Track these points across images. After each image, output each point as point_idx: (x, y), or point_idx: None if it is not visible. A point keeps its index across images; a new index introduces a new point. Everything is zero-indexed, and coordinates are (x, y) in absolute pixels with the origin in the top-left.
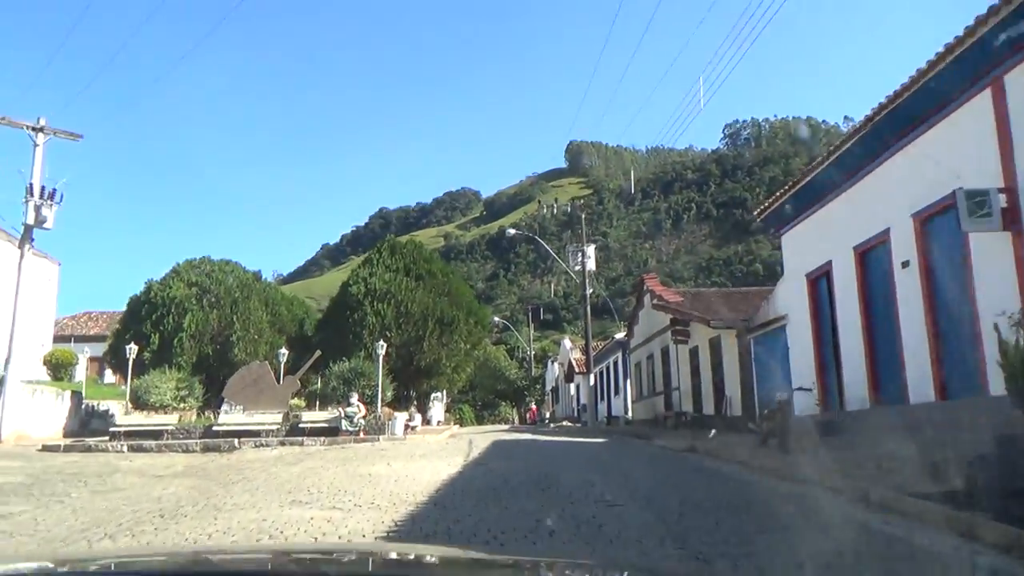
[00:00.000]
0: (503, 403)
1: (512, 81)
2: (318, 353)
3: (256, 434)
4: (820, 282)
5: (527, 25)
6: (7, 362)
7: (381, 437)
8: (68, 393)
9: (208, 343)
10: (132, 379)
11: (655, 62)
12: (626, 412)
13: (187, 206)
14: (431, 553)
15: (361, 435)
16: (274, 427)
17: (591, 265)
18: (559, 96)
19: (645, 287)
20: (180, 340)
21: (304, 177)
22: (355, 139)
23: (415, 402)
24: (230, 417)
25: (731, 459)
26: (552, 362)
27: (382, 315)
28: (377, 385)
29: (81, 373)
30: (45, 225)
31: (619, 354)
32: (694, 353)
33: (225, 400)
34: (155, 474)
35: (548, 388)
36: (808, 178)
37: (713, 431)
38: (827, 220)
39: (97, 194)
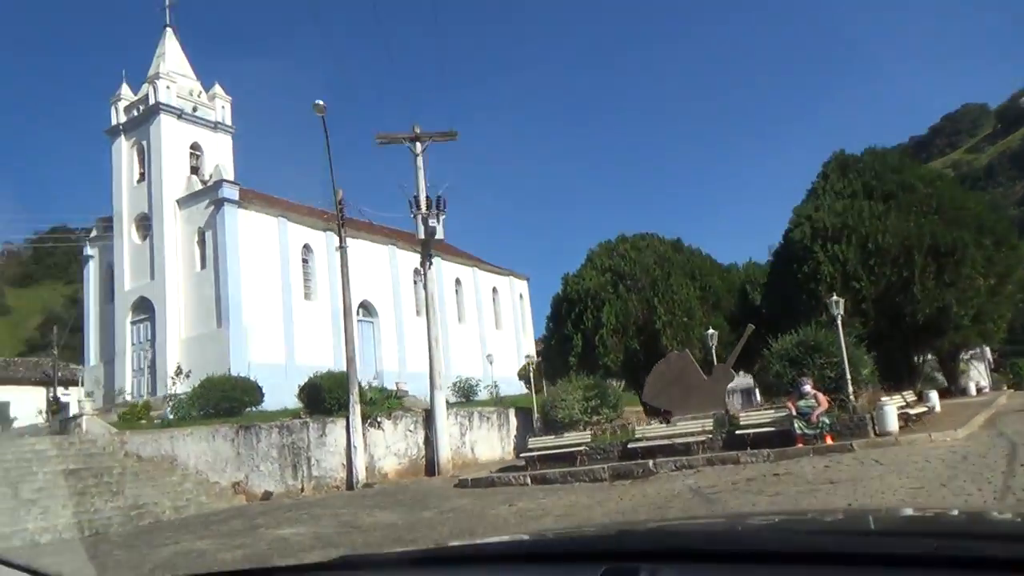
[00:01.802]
0: None
1: None
2: (750, 328)
3: (682, 449)
4: None
5: None
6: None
7: (856, 443)
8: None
9: (633, 336)
10: (536, 392)
11: None
12: None
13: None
14: None
15: (828, 440)
16: (704, 437)
17: None
18: None
19: None
20: (601, 337)
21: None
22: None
23: (916, 374)
24: (650, 429)
25: None
26: None
27: (840, 259)
28: (841, 360)
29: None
30: (436, 236)
31: None
32: None
33: (648, 404)
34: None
35: None
36: None
37: None
38: None
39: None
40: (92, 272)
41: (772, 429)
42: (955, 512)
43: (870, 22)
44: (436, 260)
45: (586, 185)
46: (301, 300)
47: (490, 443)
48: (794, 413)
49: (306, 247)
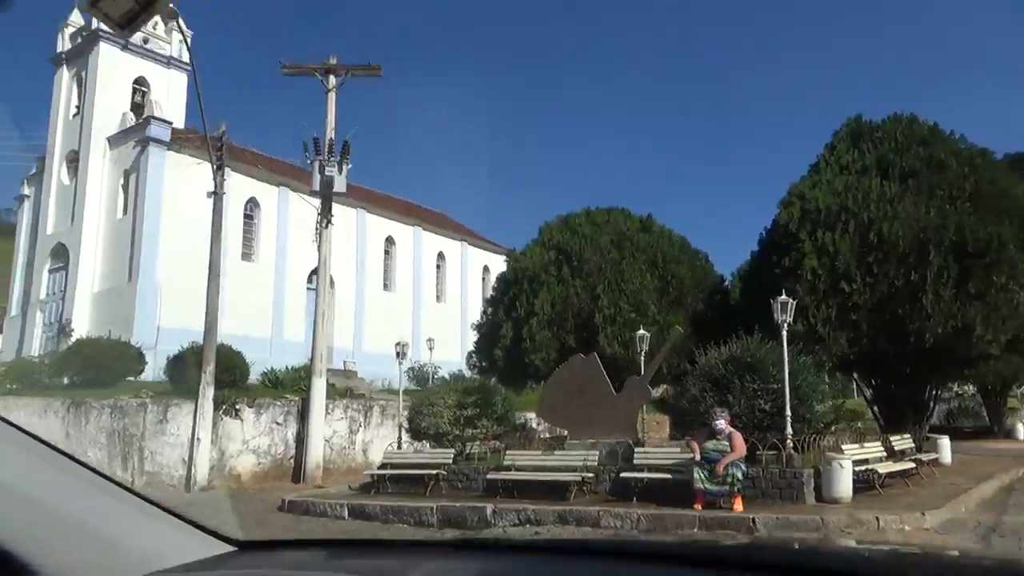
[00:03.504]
0: None
1: None
2: (677, 332)
3: (557, 489)
4: None
5: None
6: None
7: (764, 517)
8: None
9: (571, 330)
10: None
11: None
12: None
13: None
14: None
15: (736, 504)
16: (586, 475)
17: None
18: None
19: None
20: (531, 329)
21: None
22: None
23: (925, 412)
24: (523, 456)
25: None
26: None
27: (830, 252)
28: (782, 387)
29: None
30: (335, 189)
31: None
32: None
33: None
34: None
35: None
36: None
37: None
38: None
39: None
40: (25, 213)
41: (669, 476)
42: None
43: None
44: (416, 229)
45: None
46: (237, 261)
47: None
48: (697, 458)
49: (252, 202)
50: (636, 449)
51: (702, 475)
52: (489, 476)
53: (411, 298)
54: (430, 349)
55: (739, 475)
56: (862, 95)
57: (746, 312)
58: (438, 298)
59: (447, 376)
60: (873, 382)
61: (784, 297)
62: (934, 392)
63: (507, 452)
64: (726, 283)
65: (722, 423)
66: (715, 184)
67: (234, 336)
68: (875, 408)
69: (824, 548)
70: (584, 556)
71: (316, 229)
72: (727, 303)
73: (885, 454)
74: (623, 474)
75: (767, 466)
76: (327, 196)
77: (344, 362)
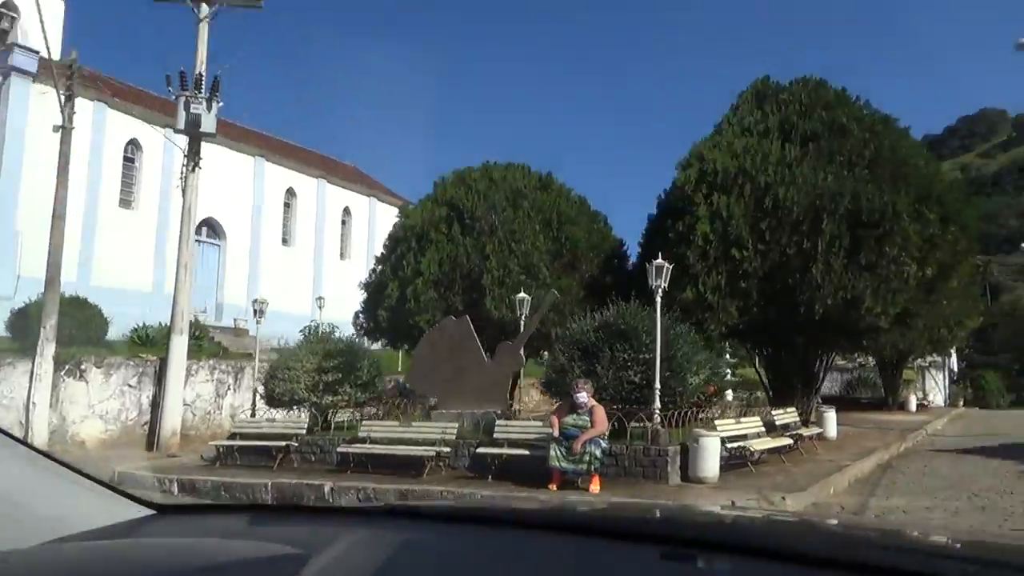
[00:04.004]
0: None
1: None
2: (552, 295)
3: (411, 465)
4: None
5: None
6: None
7: (639, 493)
8: None
9: (458, 292)
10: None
11: None
12: None
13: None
14: None
15: (593, 484)
16: (442, 449)
17: None
18: None
19: None
20: (415, 290)
21: None
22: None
23: (814, 384)
24: (378, 426)
25: None
26: None
27: (724, 217)
28: (653, 353)
29: None
30: (203, 129)
31: None
32: None
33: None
34: None
35: None
36: None
37: None
38: None
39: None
40: None
41: (527, 453)
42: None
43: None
44: (321, 182)
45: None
46: (115, 208)
47: None
48: (555, 434)
49: (133, 144)
50: (499, 422)
51: (559, 452)
52: (341, 449)
53: (312, 254)
54: (320, 308)
55: (597, 453)
56: (783, 61)
57: (641, 278)
58: (342, 255)
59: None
60: (764, 352)
61: (660, 261)
62: (824, 363)
63: (362, 423)
64: (625, 248)
65: (584, 396)
66: (624, 145)
67: (110, 290)
68: (766, 379)
69: (721, 517)
70: (520, 528)
71: (181, 173)
72: (624, 268)
73: (764, 429)
74: (480, 449)
75: (631, 443)
76: (194, 136)
77: (235, 320)
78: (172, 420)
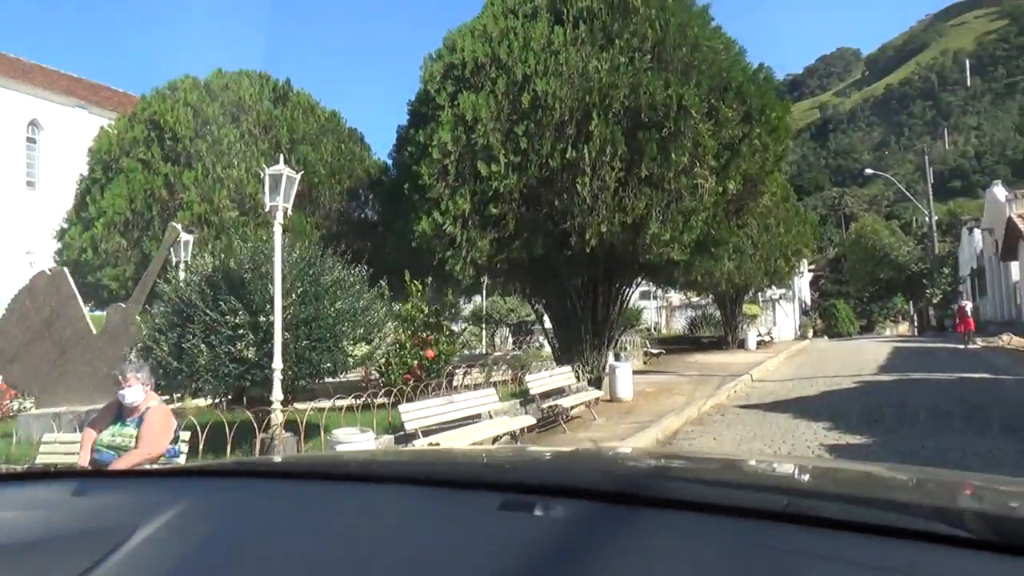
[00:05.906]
0: (896, 297)
1: None
2: (173, 230)
3: None
4: None
5: None
6: None
7: None
8: None
9: (156, 238)
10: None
11: None
12: None
13: None
14: None
15: None
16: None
17: None
18: None
19: None
20: (94, 237)
21: None
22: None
23: (604, 330)
24: None
25: None
26: (971, 230)
27: (468, 121)
28: (272, 299)
29: None
30: None
31: None
32: None
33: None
34: None
35: (964, 274)
36: None
37: None
38: None
39: None
40: None
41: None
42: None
43: None
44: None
45: None
46: None
47: None
48: (83, 461)
49: None
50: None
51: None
52: None
53: None
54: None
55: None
56: None
57: (384, 207)
58: (29, 183)
59: None
60: (544, 300)
61: (278, 168)
62: (619, 307)
63: None
64: (392, 173)
65: (133, 393)
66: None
67: None
68: (552, 333)
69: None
70: (362, 481)
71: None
72: (382, 197)
73: (517, 403)
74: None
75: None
76: None
77: None
78: None
